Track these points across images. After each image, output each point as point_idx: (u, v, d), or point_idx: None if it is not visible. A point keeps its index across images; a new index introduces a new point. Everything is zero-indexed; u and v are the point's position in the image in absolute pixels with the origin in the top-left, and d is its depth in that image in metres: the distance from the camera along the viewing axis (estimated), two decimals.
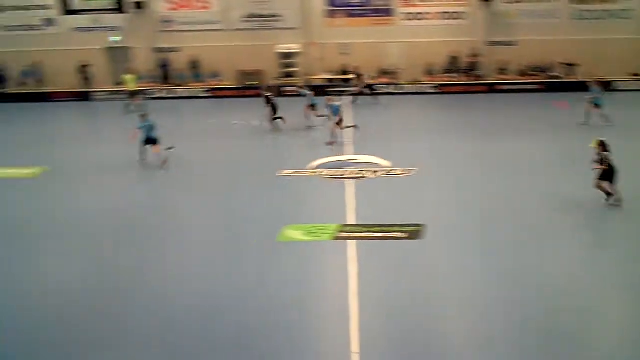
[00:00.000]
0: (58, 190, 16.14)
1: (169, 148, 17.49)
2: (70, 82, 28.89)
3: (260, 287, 10.56)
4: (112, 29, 29.13)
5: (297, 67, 28.95)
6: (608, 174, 13.06)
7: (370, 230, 12.59)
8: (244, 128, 21.93)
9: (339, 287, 10.48)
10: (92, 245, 12.64)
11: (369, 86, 26.43)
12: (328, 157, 17.93)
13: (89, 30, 29.22)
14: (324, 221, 13.16)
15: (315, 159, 17.65)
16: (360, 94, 25.99)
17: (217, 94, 28.06)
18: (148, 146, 17.45)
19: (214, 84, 28.46)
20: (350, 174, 16.39)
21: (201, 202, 14.98)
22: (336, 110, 19.44)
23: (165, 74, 29.10)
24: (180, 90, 28.28)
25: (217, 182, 16.29)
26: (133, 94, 25.50)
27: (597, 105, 20.44)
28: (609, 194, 13.27)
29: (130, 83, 26.15)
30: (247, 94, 27.62)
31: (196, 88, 28.27)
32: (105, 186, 16.29)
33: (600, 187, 13.31)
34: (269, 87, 23.77)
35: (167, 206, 14.92)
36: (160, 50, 29.16)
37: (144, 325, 9.48)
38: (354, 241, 12.15)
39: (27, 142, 21.60)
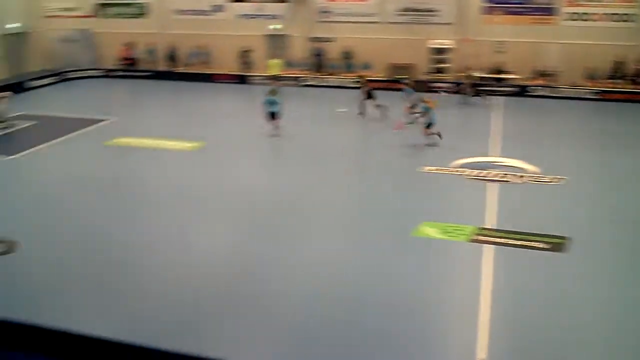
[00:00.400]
0: (211, 164, 17.50)
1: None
2: (231, 66, 30.87)
3: (387, 280, 10.82)
4: (273, 17, 30.59)
5: (448, 63, 28.62)
6: None
7: (510, 237, 12.32)
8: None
9: (469, 291, 10.45)
10: (237, 219, 13.64)
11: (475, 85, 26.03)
12: (472, 156, 17.65)
13: (252, 18, 30.94)
14: (461, 222, 13.09)
15: (458, 158, 17.48)
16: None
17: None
18: (273, 120, 19.58)
19: (364, 74, 28.91)
20: (494, 177, 16.05)
21: (343, 187, 15.51)
22: (429, 113, 18.69)
23: (318, 62, 30.10)
24: (332, 79, 29.08)
25: (358, 170, 16.70)
26: (275, 78, 27.14)
27: None
28: None
29: (274, 68, 27.89)
30: (396, 86, 27.77)
31: (347, 78, 28.92)
32: (254, 163, 17.38)
33: None
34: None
35: (311, 188, 15.57)
36: (316, 39, 30.18)
37: (281, 304, 10.16)
38: (491, 246, 11.99)
39: (189, 118, 23.57)
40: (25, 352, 8.46)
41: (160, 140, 19.67)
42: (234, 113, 24.86)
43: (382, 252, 11.93)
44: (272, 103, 19.81)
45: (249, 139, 20.07)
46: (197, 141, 19.48)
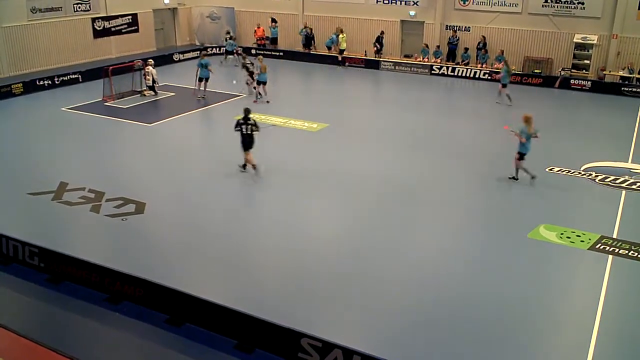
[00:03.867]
0: (330, 146, 18.01)
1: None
2: (366, 49, 31.18)
3: (498, 279, 10.71)
4: (411, 4, 30.39)
5: (589, 60, 26.96)
6: None
7: (637, 250, 11.64)
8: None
9: (582, 301, 10.13)
10: (351, 201, 14.02)
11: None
12: (605, 161, 16.69)
13: (390, 3, 30.95)
14: (583, 228, 12.57)
15: (589, 161, 16.62)
16: None
17: (497, 77, 27.56)
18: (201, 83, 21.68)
19: (497, 67, 28.04)
20: (627, 184, 15.11)
21: (464, 180, 15.35)
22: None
23: (451, 51, 29.55)
24: (462, 70, 28.45)
25: (484, 165, 16.37)
26: (342, 52, 30.40)
27: None
28: None
29: (343, 43, 30.28)
30: (529, 81, 26.72)
31: (478, 69, 28.15)
32: (371, 148, 17.62)
33: None
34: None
35: (429, 178, 15.60)
36: (451, 28, 29.63)
37: (385, 290, 10.42)
38: (613, 256, 11.41)
39: (317, 99, 24.26)
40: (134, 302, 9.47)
41: (288, 119, 20.50)
42: (361, 96, 25.21)
43: (495, 249, 11.79)
44: (202, 66, 22.58)
45: (371, 123, 20.33)
46: (322, 122, 20.08)
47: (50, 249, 10.46)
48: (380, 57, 30.46)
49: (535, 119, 15.05)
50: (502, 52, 27.75)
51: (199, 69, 23.29)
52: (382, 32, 30.54)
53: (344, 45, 30.49)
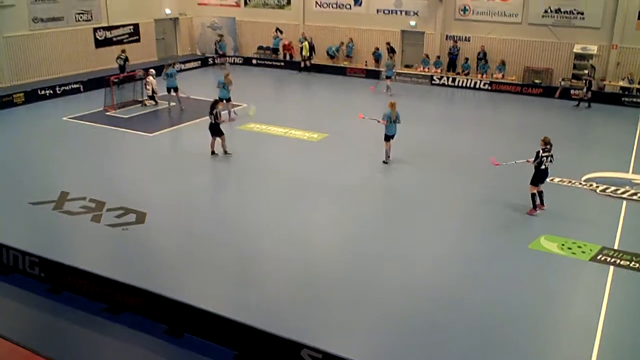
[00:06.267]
0: (329, 155, 18.04)
1: None
2: (366, 59, 31.30)
3: (498, 289, 10.69)
4: (412, 14, 30.50)
5: (589, 70, 27.03)
6: None
7: (638, 261, 11.62)
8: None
9: (583, 312, 10.10)
10: (349, 206, 14.02)
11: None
12: (606, 171, 16.69)
13: (391, 14, 31.07)
14: (584, 239, 12.56)
15: (590, 171, 16.63)
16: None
17: (497, 87, 27.71)
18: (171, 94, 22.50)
19: (497, 77, 28.13)
20: (628, 195, 15.11)
21: (464, 189, 15.35)
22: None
23: (451, 61, 29.64)
24: (462, 79, 28.53)
25: (482, 175, 16.38)
26: (305, 59, 31.21)
27: None
28: None
29: (305, 50, 30.98)
30: (529, 91, 26.79)
31: (478, 79, 28.22)
32: (368, 158, 17.67)
33: None
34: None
35: (430, 189, 15.58)
36: (451, 38, 29.73)
37: (393, 302, 10.39)
38: (614, 267, 11.39)
39: (318, 109, 24.31)
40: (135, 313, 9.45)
41: (289, 129, 20.53)
42: (361, 107, 25.22)
43: (496, 259, 11.77)
44: (169, 76, 22.48)
45: (371, 132, 20.31)
46: (321, 132, 20.11)
47: (50, 259, 10.45)
48: (380, 67, 30.56)
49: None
50: (503, 62, 27.91)
51: (166, 80, 22.97)
52: (388, 43, 30.65)
53: (306, 52, 31.25)
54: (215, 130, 17.40)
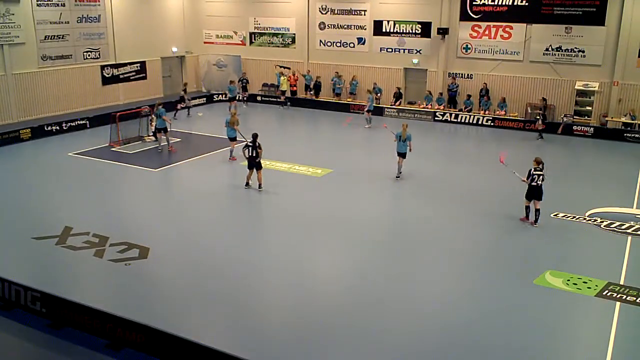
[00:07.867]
0: (334, 191, 18.10)
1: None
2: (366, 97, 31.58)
3: (503, 324, 10.58)
4: (414, 52, 30.92)
5: (591, 106, 27.25)
6: None
7: None
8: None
9: (590, 349, 9.96)
10: (356, 247, 13.97)
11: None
12: (610, 206, 16.66)
13: (394, 52, 31.48)
14: (590, 274, 12.46)
15: (594, 206, 16.58)
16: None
17: (499, 124, 27.87)
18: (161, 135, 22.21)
19: (499, 113, 28.31)
20: (633, 230, 15.04)
21: (467, 225, 15.30)
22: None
23: (451, 98, 29.92)
24: (465, 116, 28.71)
25: (485, 211, 16.35)
26: (284, 94, 32.58)
27: None
28: None
29: (284, 84, 32.47)
30: (532, 127, 26.89)
31: (480, 115, 28.40)
32: (373, 192, 17.68)
33: None
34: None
35: (432, 225, 15.54)
36: (453, 75, 30.05)
37: (396, 333, 10.27)
38: (620, 303, 11.26)
39: (322, 145, 24.45)
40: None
41: (293, 164, 20.62)
42: (364, 143, 25.40)
43: (500, 297, 11.64)
44: (157, 116, 22.18)
45: (373, 170, 20.41)
46: (325, 168, 20.19)
47: (51, 294, 10.40)
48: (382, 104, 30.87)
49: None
50: (504, 99, 28.15)
51: (155, 120, 22.64)
52: (398, 88, 31.08)
53: (285, 87, 32.55)
54: (254, 163, 17.61)
